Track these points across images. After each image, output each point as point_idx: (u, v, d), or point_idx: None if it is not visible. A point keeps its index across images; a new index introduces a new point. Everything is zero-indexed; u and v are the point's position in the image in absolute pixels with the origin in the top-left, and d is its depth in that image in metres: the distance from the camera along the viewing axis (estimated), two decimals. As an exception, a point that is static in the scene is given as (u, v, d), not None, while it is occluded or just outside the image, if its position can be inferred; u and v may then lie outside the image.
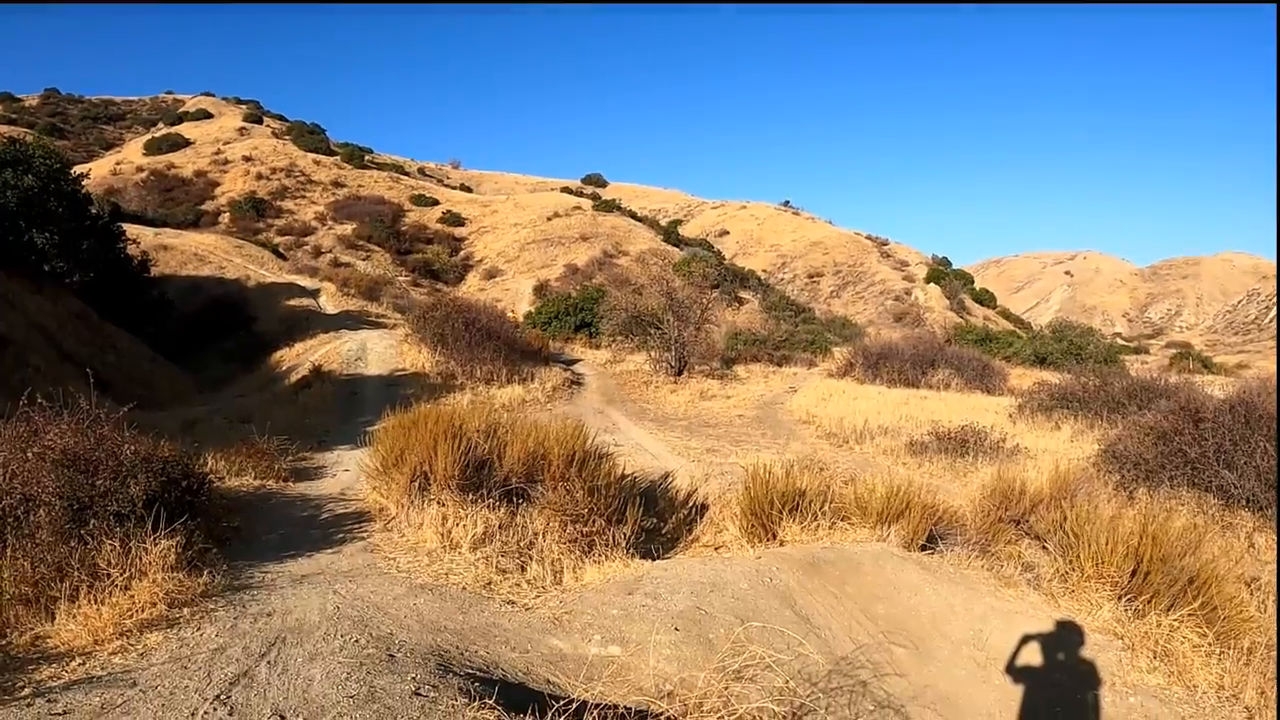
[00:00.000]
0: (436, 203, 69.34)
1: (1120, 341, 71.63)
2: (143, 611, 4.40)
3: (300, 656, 3.93)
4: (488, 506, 6.88)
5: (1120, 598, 6.30)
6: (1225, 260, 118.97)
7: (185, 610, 4.53)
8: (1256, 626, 6.16)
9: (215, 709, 3.38)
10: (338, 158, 74.49)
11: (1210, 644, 5.62)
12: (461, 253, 60.87)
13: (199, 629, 4.30)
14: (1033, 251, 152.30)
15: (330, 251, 52.60)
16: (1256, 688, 5.10)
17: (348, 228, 57.09)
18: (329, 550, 6.22)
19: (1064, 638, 5.72)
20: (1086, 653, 5.58)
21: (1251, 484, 9.99)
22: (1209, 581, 6.24)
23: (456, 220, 65.68)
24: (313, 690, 3.56)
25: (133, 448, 5.73)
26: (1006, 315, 74.01)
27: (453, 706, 3.49)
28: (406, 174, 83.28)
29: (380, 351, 21.36)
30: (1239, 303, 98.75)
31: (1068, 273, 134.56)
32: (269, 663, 3.85)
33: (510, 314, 30.36)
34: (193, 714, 3.33)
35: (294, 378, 19.50)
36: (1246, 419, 10.66)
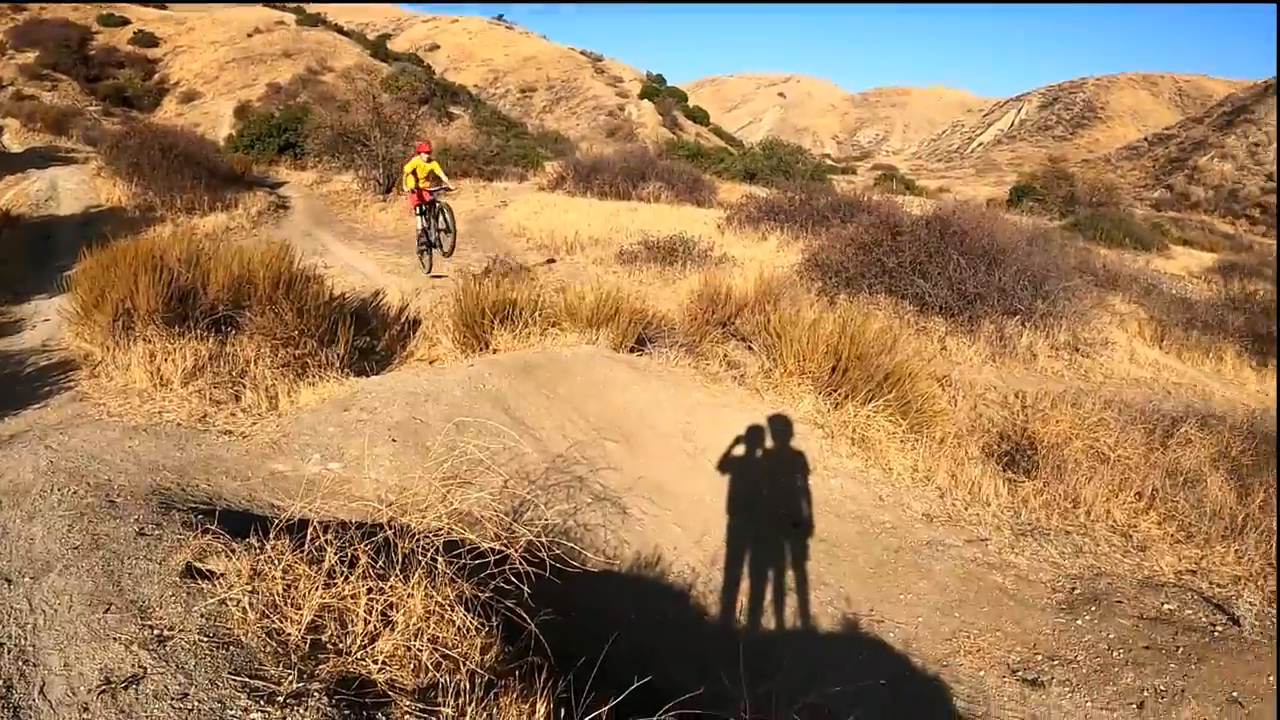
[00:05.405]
0: (127, 22, 56.17)
1: (829, 162, 73.47)
2: None
3: (18, 518, 3.87)
4: (196, 338, 6.64)
5: (821, 392, 6.66)
6: (934, 93, 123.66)
7: (-120, 490, 4.22)
8: (948, 419, 6.84)
9: (-65, 584, 3.32)
10: (16, -23, 57.95)
11: (905, 432, 6.16)
12: (156, 76, 50.78)
13: (-100, 508, 4.07)
14: (747, 73, 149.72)
15: (12, 84, 42.49)
16: (948, 471, 5.62)
17: (30, 56, 45.95)
18: (35, 405, 5.85)
19: (769, 428, 5.92)
20: (790, 441, 5.86)
21: (944, 292, 10.53)
22: (903, 378, 6.68)
23: (150, 40, 54.06)
24: (35, 549, 3.56)
25: None
26: (719, 133, 73.74)
27: (178, 540, 3.59)
28: (95, -8, 66.75)
29: (73, 189, 18.50)
30: (944, 132, 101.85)
31: (781, 94, 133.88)
32: (-14, 530, 3.80)
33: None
34: (-89, 593, 3.26)
35: (-22, 228, 16.53)
36: (941, 234, 11.20)
